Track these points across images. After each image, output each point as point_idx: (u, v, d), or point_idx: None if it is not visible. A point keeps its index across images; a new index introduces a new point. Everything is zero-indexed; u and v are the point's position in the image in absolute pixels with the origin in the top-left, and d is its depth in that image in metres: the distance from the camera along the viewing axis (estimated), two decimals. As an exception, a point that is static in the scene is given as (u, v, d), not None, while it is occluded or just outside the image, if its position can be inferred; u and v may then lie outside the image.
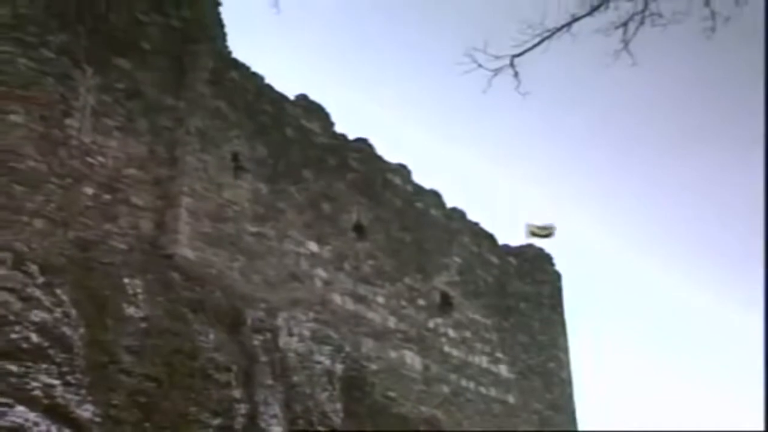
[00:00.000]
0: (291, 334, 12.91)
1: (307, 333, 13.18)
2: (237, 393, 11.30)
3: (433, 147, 40.56)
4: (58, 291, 9.98)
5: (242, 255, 13.29)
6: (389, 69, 45.66)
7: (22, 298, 9.52)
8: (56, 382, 9.30)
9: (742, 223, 43.05)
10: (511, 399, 18.35)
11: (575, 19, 10.28)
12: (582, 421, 20.28)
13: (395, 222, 16.80)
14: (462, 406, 16.88)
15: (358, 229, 15.84)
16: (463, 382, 17.18)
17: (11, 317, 9.28)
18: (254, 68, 14.57)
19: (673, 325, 47.05)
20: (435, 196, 18.17)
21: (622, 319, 44.79)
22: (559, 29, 10.36)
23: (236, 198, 13.51)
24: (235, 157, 13.70)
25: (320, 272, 14.72)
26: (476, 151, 51.35)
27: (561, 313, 20.80)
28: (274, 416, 11.70)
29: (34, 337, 9.34)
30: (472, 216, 19.03)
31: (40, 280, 9.84)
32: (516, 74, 10.85)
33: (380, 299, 15.84)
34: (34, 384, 9.11)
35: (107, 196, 11.95)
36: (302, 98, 15.52)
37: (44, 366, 9.27)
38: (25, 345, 9.22)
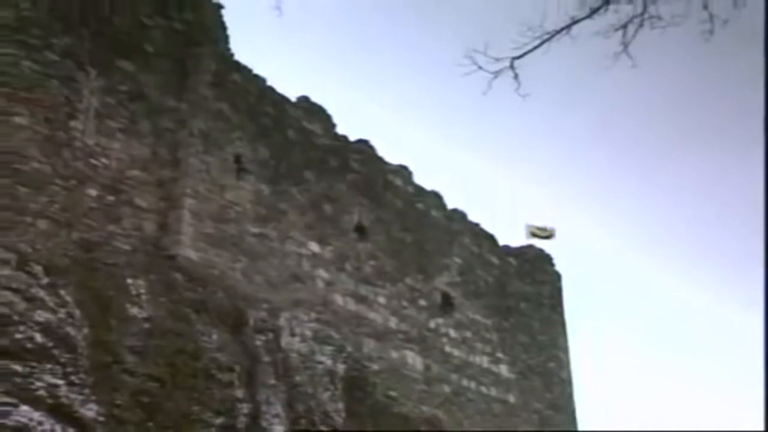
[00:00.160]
0: (293, 335, 12.96)
1: (308, 333, 13.23)
2: (239, 393, 11.36)
3: (433, 148, 40.61)
4: (62, 291, 10.02)
5: (244, 256, 13.35)
6: (390, 70, 45.79)
7: (27, 298, 9.55)
8: (60, 381, 9.33)
9: (742, 223, 43.04)
10: (511, 399, 18.40)
11: (575, 22, 10.28)
12: (582, 421, 20.34)
13: (396, 223, 16.85)
14: (463, 406, 16.93)
15: (360, 229, 15.89)
16: (464, 382, 17.22)
17: (15, 317, 9.32)
18: (256, 70, 14.69)
19: (673, 325, 47.12)
20: (436, 197, 18.22)
21: (622, 319, 44.84)
22: (558, 31, 10.35)
23: (238, 199, 13.58)
24: (238, 158, 13.77)
25: (322, 273, 14.78)
26: (477, 153, 51.48)
27: (561, 313, 20.83)
28: (277, 416, 11.75)
29: (39, 338, 9.38)
30: (472, 217, 19.11)
31: (44, 280, 9.89)
32: (516, 76, 10.81)
33: (381, 300, 15.90)
34: (39, 384, 9.14)
35: (111, 198, 12.01)
36: (304, 100, 15.58)
37: (48, 366, 9.31)
38: (29, 345, 9.26)
